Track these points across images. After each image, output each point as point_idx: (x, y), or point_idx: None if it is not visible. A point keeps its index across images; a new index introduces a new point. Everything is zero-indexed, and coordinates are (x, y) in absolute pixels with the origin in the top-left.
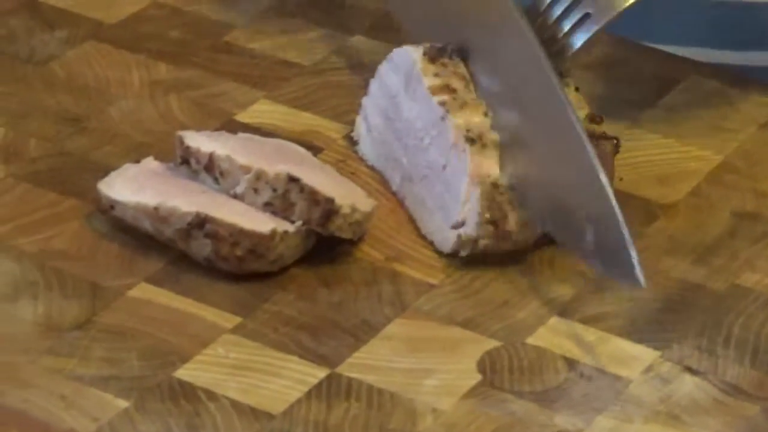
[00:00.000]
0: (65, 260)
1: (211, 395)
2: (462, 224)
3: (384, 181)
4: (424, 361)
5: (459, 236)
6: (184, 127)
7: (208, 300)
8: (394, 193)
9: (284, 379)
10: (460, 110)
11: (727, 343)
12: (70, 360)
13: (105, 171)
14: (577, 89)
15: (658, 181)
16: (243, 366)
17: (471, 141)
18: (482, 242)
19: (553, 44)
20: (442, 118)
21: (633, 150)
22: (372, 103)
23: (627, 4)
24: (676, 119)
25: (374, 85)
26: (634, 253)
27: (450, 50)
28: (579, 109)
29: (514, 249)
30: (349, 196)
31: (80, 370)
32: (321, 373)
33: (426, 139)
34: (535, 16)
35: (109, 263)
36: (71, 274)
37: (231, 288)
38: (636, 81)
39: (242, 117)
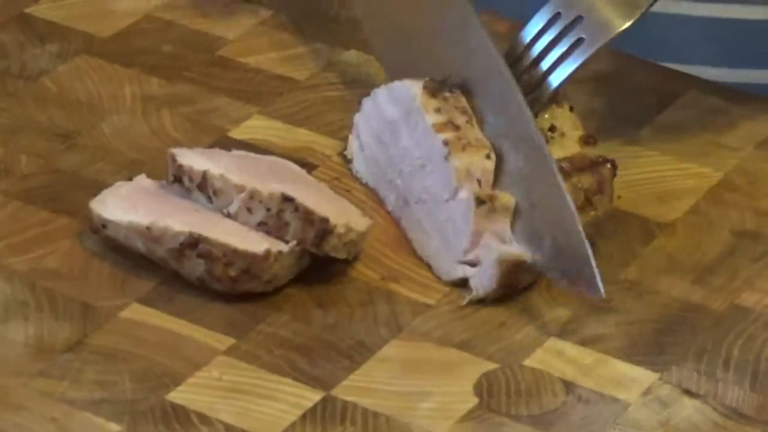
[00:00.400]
0: (56, 280)
1: (205, 419)
2: (473, 265)
3: (379, 200)
4: (420, 383)
5: (471, 290)
6: (177, 144)
7: (201, 321)
8: (389, 212)
9: (279, 403)
10: (463, 151)
11: (726, 366)
12: (62, 383)
13: (97, 188)
14: (571, 108)
15: (656, 199)
16: (237, 389)
17: (480, 202)
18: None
19: (546, 71)
20: (446, 158)
21: (631, 167)
22: (365, 123)
23: (621, 29)
24: (674, 136)
25: (368, 105)
26: (594, 265)
27: (450, 84)
28: (573, 129)
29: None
30: (343, 215)
31: (72, 393)
32: (316, 396)
33: (428, 166)
34: (530, 40)
35: (101, 283)
36: (62, 294)
37: (224, 308)
38: (634, 96)
39: (236, 133)
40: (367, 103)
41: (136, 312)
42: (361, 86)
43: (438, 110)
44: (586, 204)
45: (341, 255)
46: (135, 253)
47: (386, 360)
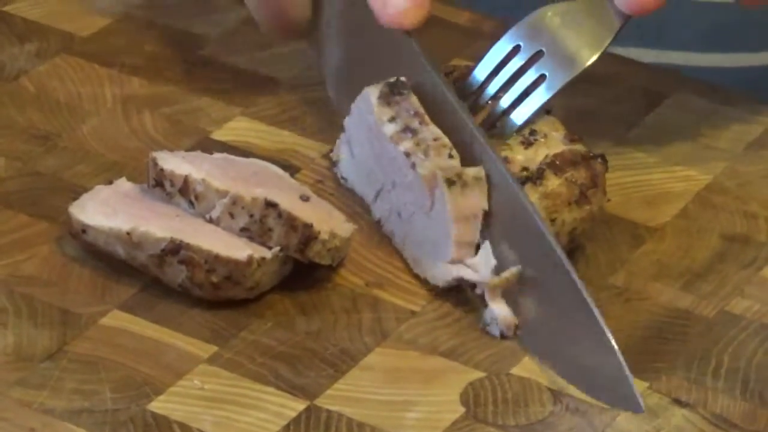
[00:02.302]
0: (35, 286)
1: (186, 429)
2: (459, 262)
3: (364, 204)
4: (405, 392)
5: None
6: (158, 145)
7: (183, 328)
8: (378, 223)
9: (261, 412)
10: (426, 157)
11: (716, 374)
12: (41, 392)
13: (77, 192)
14: (548, 111)
15: (644, 203)
16: (219, 398)
17: (450, 183)
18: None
19: (506, 109)
20: (412, 167)
21: (619, 170)
22: (355, 128)
23: (585, 66)
24: (662, 137)
25: (356, 110)
26: (633, 385)
27: (399, 83)
28: (554, 131)
29: None
30: (327, 220)
31: (51, 402)
32: (299, 405)
33: (409, 176)
34: (488, 74)
35: (80, 289)
36: (41, 301)
37: (206, 316)
38: (622, 97)
39: (218, 135)
40: (355, 107)
41: (117, 319)
42: None
43: (392, 119)
44: (581, 198)
45: (325, 261)
46: (116, 259)
47: (371, 368)
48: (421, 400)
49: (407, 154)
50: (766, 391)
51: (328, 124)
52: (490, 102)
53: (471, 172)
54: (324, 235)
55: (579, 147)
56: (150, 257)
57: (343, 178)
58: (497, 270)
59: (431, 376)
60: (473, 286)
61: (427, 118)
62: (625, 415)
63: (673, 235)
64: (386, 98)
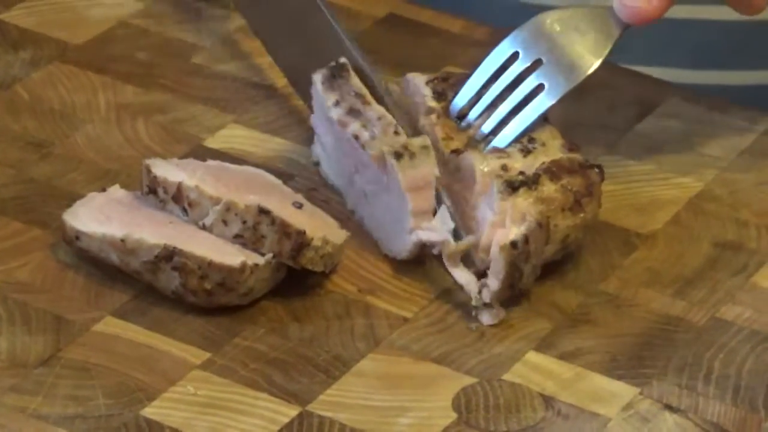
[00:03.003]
0: (29, 293)
1: None
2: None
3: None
4: (397, 398)
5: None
6: (152, 153)
7: (176, 335)
8: (351, 211)
9: (255, 418)
10: (372, 140)
11: (708, 380)
12: (35, 398)
13: (71, 199)
14: (546, 119)
15: (636, 210)
16: (212, 404)
17: (398, 156)
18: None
19: (504, 119)
20: (362, 148)
21: (611, 177)
22: (318, 120)
23: (584, 76)
24: (654, 145)
25: (315, 102)
26: None
27: (339, 66)
28: (552, 138)
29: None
30: (320, 227)
31: (45, 408)
32: (292, 411)
33: (364, 156)
34: (486, 81)
35: (74, 296)
36: (35, 307)
37: (200, 322)
38: (614, 105)
39: (211, 142)
40: (314, 100)
41: (111, 325)
42: None
43: (337, 103)
44: (575, 206)
45: (318, 268)
46: (109, 265)
47: (363, 374)
48: (414, 405)
49: (356, 137)
50: (757, 397)
51: None
52: (486, 111)
53: (416, 142)
54: (317, 242)
55: (576, 156)
56: (143, 264)
57: (326, 177)
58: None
59: (423, 382)
60: (436, 255)
61: (369, 97)
62: (617, 421)
63: (665, 242)
64: (329, 82)
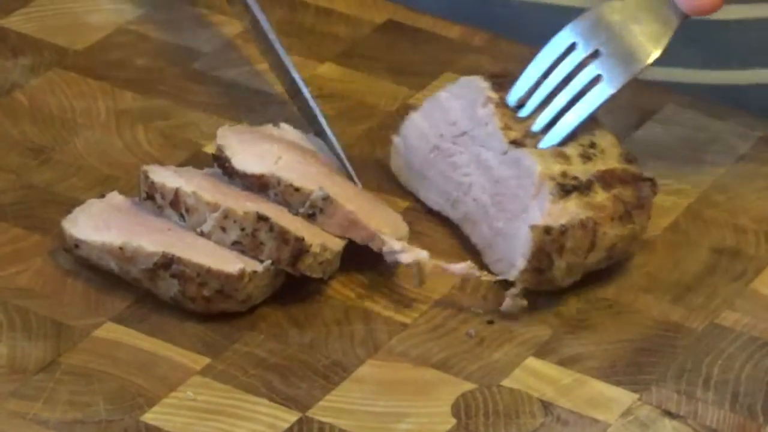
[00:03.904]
0: (29, 299)
1: None
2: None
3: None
4: (397, 404)
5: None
6: (151, 159)
7: (176, 340)
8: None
9: (254, 423)
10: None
11: (706, 386)
12: (35, 403)
13: (70, 205)
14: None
15: None
16: (212, 409)
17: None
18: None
19: (561, 110)
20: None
21: None
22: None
23: (643, 66)
24: (653, 152)
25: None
26: None
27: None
28: (612, 147)
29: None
30: (318, 233)
31: (45, 414)
32: (292, 417)
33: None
34: (544, 72)
35: (74, 302)
36: (35, 313)
37: (199, 328)
38: (612, 111)
39: (211, 148)
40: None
41: (111, 331)
42: (337, 100)
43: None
44: (625, 216)
45: (316, 274)
46: (109, 271)
47: (363, 380)
48: (413, 411)
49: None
50: (756, 403)
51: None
52: (544, 101)
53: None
54: (315, 249)
55: (632, 167)
56: (142, 271)
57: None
58: None
59: (423, 387)
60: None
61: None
62: (616, 427)
63: (664, 248)
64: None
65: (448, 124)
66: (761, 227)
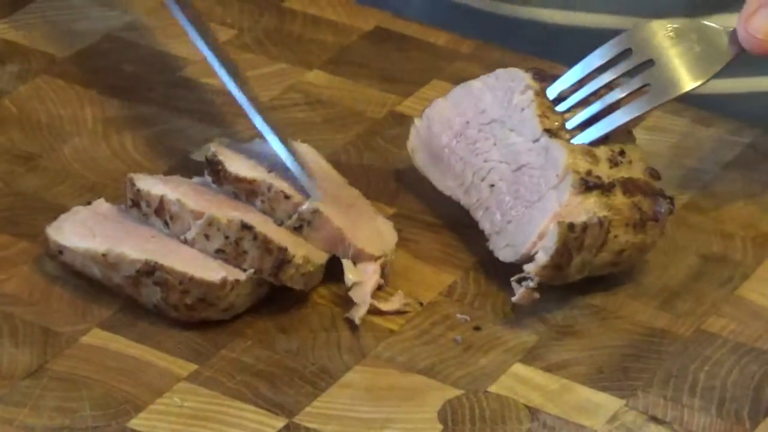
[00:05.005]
0: (16, 305)
1: None
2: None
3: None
4: (384, 410)
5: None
6: (139, 166)
7: (162, 347)
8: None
9: (241, 429)
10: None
11: (693, 392)
12: (21, 410)
13: (58, 212)
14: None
15: None
16: (198, 416)
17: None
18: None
19: (603, 110)
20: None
21: None
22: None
23: (691, 87)
24: None
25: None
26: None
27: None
28: (639, 160)
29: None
30: (302, 244)
31: (31, 420)
32: (279, 423)
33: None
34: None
35: (61, 308)
36: (22, 319)
37: (186, 334)
38: None
39: (199, 156)
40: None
41: (98, 337)
42: (325, 107)
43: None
44: (639, 225)
45: (297, 286)
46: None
47: (350, 386)
48: (400, 417)
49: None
50: (742, 409)
51: (308, 144)
52: (586, 99)
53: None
54: (298, 260)
55: (654, 183)
56: (125, 278)
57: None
58: None
59: (409, 393)
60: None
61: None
62: None
63: (651, 254)
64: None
65: (477, 112)
66: (748, 233)
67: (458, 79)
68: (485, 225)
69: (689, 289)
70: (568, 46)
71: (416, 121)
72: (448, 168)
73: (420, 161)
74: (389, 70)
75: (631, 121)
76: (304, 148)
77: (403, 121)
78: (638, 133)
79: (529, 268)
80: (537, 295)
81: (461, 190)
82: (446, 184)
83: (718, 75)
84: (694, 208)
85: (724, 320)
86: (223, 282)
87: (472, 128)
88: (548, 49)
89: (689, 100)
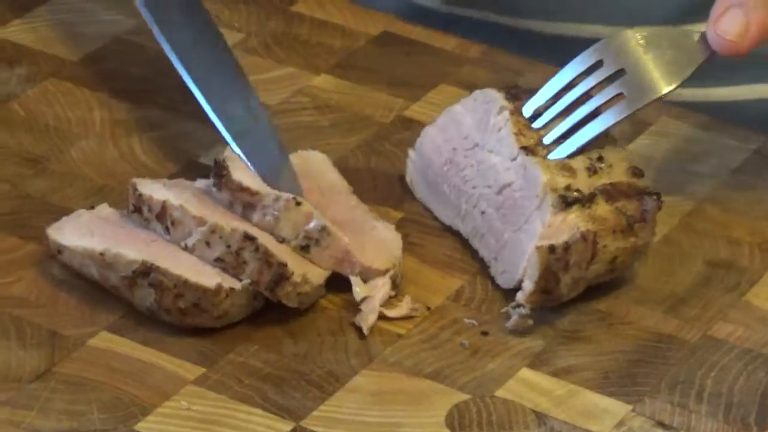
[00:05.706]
0: (24, 308)
1: None
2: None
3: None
4: (391, 414)
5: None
6: (146, 169)
7: (170, 350)
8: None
9: None
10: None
11: (700, 397)
12: (29, 412)
13: (65, 215)
14: (607, 135)
15: None
16: (206, 419)
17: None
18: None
19: (579, 122)
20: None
21: None
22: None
23: (665, 91)
24: (646, 164)
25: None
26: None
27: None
28: (621, 161)
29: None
30: (302, 263)
31: (39, 422)
32: (286, 426)
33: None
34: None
35: (69, 311)
36: (30, 322)
37: (194, 338)
38: None
39: (206, 159)
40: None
41: (105, 340)
42: (332, 111)
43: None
44: (627, 229)
45: (292, 304)
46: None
47: (357, 390)
48: (407, 421)
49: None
50: (749, 415)
51: (316, 148)
52: (560, 114)
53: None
54: (296, 278)
55: (638, 182)
56: (121, 279)
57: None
58: None
59: (417, 398)
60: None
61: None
62: None
63: (657, 260)
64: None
65: (461, 137)
66: (755, 239)
67: (466, 84)
68: (483, 252)
69: (696, 295)
70: (576, 53)
71: (410, 152)
72: (444, 197)
73: (419, 193)
74: (397, 75)
75: (607, 129)
76: (313, 154)
77: (411, 126)
78: (644, 138)
79: (519, 296)
80: (531, 322)
81: (459, 219)
82: (445, 214)
83: (690, 78)
84: (701, 214)
85: (731, 326)
86: (218, 288)
87: (459, 155)
88: (555, 56)
89: (695, 106)
